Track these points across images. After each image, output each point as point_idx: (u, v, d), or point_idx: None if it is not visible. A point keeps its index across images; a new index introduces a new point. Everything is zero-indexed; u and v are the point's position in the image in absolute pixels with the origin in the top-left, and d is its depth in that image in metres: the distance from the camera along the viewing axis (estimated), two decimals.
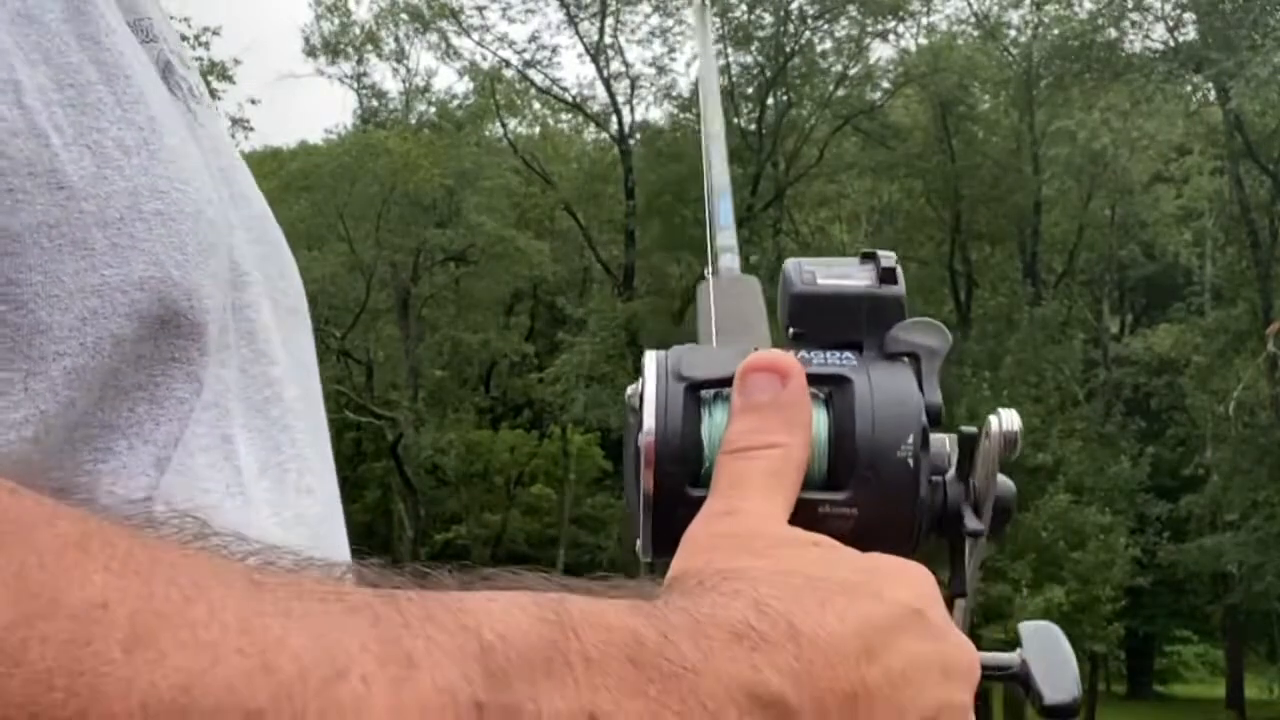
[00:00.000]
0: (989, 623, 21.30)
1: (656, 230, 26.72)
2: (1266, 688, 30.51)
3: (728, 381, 0.56)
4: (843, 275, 0.62)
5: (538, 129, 32.02)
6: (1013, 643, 0.63)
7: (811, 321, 0.61)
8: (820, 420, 0.56)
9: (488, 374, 32.12)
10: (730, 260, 0.78)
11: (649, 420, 0.56)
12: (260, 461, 0.52)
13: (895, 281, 0.61)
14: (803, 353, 0.59)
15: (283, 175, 29.24)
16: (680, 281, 26.94)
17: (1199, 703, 32.53)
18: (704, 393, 0.57)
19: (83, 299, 0.42)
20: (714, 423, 0.56)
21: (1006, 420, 0.59)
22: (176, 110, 0.52)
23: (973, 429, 0.59)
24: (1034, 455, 22.79)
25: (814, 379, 0.57)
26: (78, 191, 0.42)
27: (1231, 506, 25.13)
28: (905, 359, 0.59)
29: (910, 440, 0.56)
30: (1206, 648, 36.92)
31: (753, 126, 26.60)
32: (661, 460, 0.56)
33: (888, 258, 0.62)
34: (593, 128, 30.85)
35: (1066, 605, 20.90)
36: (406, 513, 29.80)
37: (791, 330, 0.61)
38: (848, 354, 0.59)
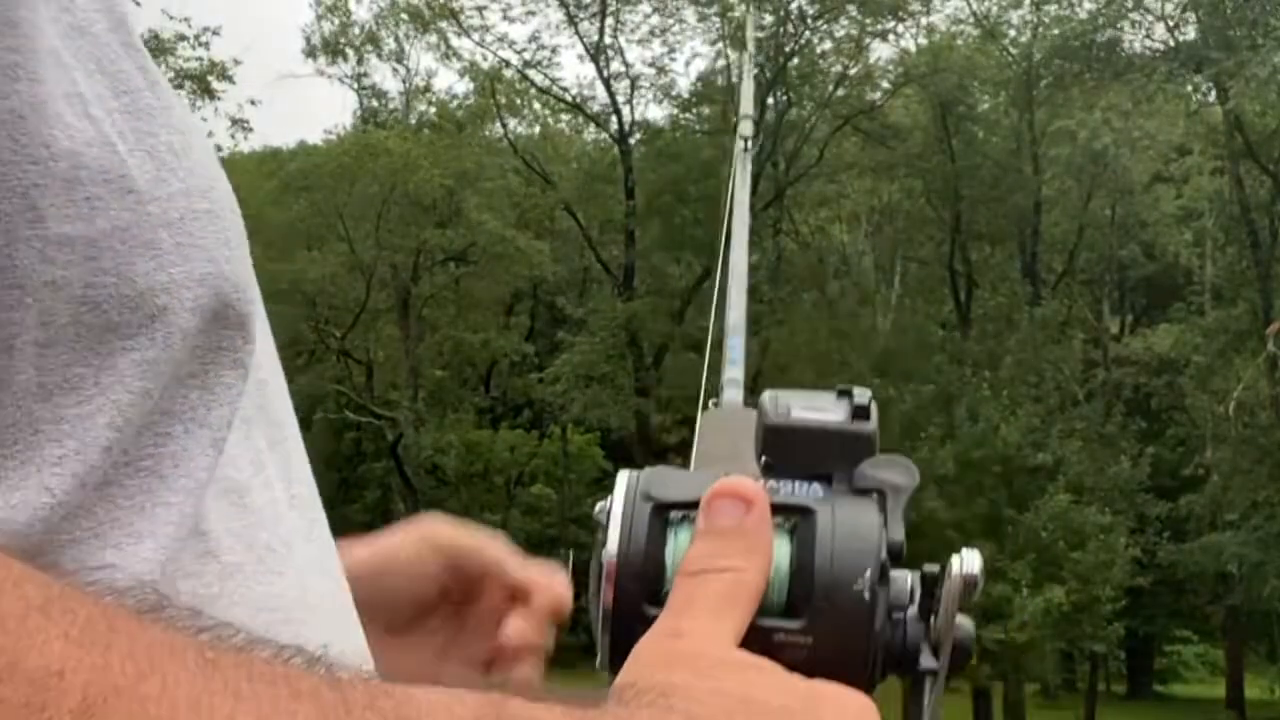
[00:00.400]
0: (989, 623, 21.30)
1: (656, 230, 26.73)
2: (1267, 688, 30.50)
3: (695, 505, 0.57)
4: (817, 409, 0.63)
5: (538, 129, 32.03)
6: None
7: (783, 453, 0.62)
8: (782, 549, 0.57)
9: (488, 374, 32.12)
10: (734, 394, 0.80)
11: (613, 538, 0.58)
12: (267, 439, 0.54)
13: (868, 418, 0.63)
14: (771, 482, 0.61)
15: (282, 175, 29.25)
16: (680, 281, 26.94)
17: (1199, 703, 32.53)
18: (671, 514, 0.59)
19: (153, 297, 0.44)
20: (678, 544, 0.58)
21: (967, 562, 0.59)
22: (190, 112, 0.54)
23: (935, 568, 0.60)
24: (1034, 455, 22.79)
25: (779, 509, 0.58)
26: (145, 195, 0.44)
27: (1231, 506, 25.13)
28: (873, 495, 0.61)
29: (867, 574, 0.57)
30: (1206, 648, 36.92)
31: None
32: (622, 578, 0.57)
33: (862, 395, 0.64)
34: (593, 128, 30.86)
35: (1066, 605, 20.89)
36: (407, 513, 29.76)
37: (764, 459, 0.63)
38: (816, 486, 0.61)
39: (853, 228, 32.62)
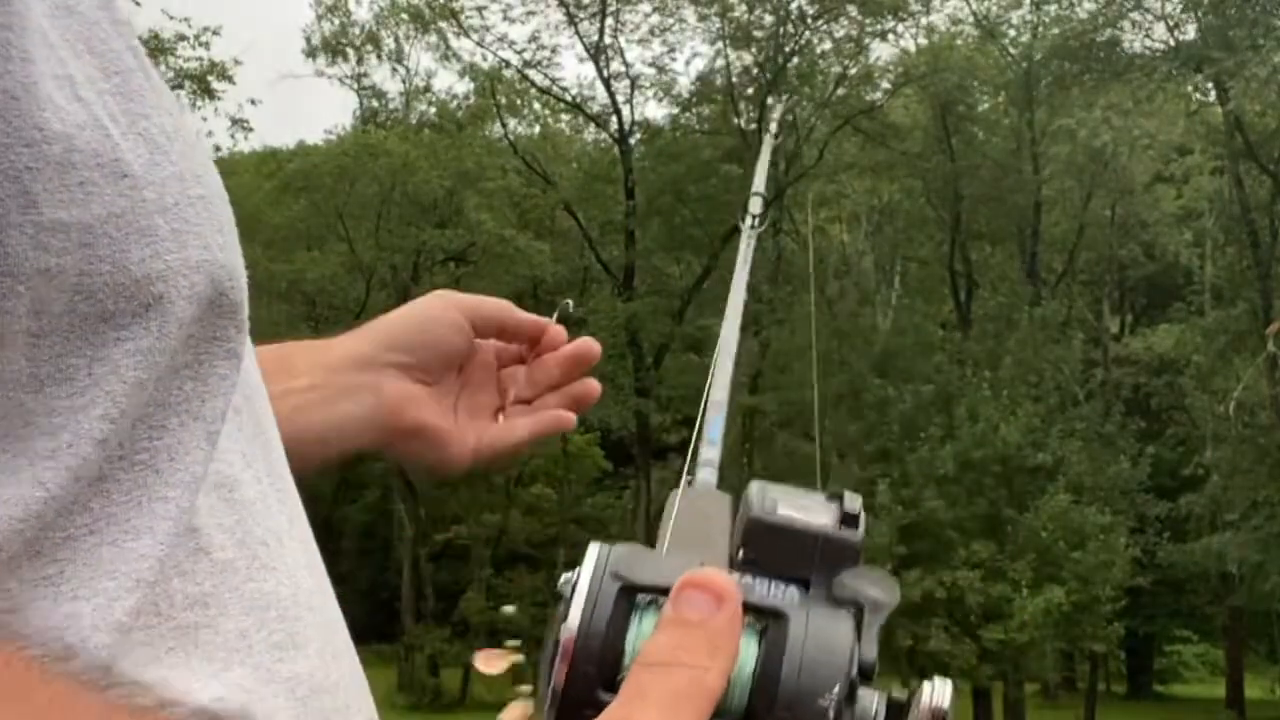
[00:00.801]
0: (989, 622, 21.30)
1: (656, 230, 26.71)
2: (1268, 688, 30.51)
3: (665, 591, 0.54)
4: (804, 509, 0.61)
5: (538, 129, 32.02)
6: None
7: (764, 549, 0.60)
8: (749, 652, 0.55)
9: None
10: (709, 475, 0.75)
11: (574, 615, 0.55)
12: (253, 431, 0.53)
13: (855, 526, 0.61)
14: (748, 578, 0.58)
15: (282, 176, 29.24)
16: (680, 281, 26.94)
17: (1199, 703, 32.52)
18: (639, 597, 0.56)
19: (149, 285, 0.43)
20: (641, 629, 0.55)
21: (938, 694, 0.57)
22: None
23: (902, 696, 0.57)
24: (1034, 455, 22.79)
25: (752, 609, 0.55)
26: (139, 179, 0.43)
27: (1232, 506, 25.14)
28: (850, 607, 0.58)
29: (835, 690, 0.54)
30: (1206, 648, 36.91)
31: (753, 127, 26.60)
32: (579, 658, 0.54)
33: (853, 501, 0.62)
34: (592, 128, 30.85)
35: (1066, 605, 20.89)
36: (406, 513, 29.81)
37: (742, 553, 0.60)
38: (793, 590, 0.58)
39: (853, 228, 32.61)
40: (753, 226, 0.96)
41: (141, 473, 0.43)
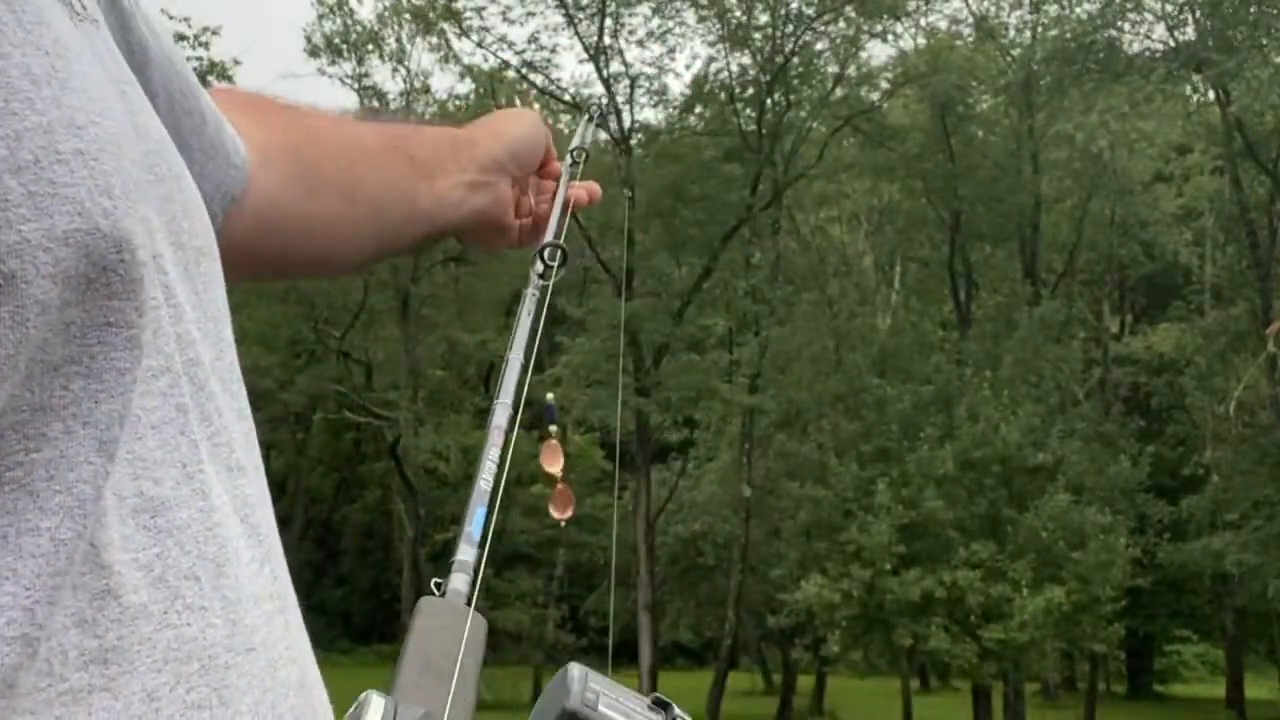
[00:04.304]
0: (989, 622, 21.29)
1: (656, 230, 26.70)
2: (1271, 689, 30.49)
3: None
4: (627, 714, 0.54)
5: None
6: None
7: None
8: None
9: (487, 374, 32.11)
10: (460, 583, 0.65)
11: None
12: (205, 433, 0.45)
13: None
14: None
15: None
16: (680, 282, 26.93)
17: (1199, 703, 32.52)
18: None
19: None
20: None
21: None
22: (80, 32, 0.45)
23: None
24: (1034, 455, 22.78)
25: None
26: None
27: (1231, 506, 25.13)
28: None
29: None
30: (1206, 648, 36.90)
31: (752, 127, 26.60)
32: None
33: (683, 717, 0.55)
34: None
35: (1066, 605, 20.87)
36: (406, 513, 29.79)
37: None
38: None
39: (853, 228, 32.61)
40: (542, 277, 0.91)
41: (12, 494, 0.36)
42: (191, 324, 0.46)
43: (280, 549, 0.52)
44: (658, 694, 0.55)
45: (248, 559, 0.45)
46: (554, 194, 1.06)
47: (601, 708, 0.53)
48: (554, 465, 0.88)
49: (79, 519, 0.37)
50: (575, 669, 0.55)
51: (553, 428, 0.80)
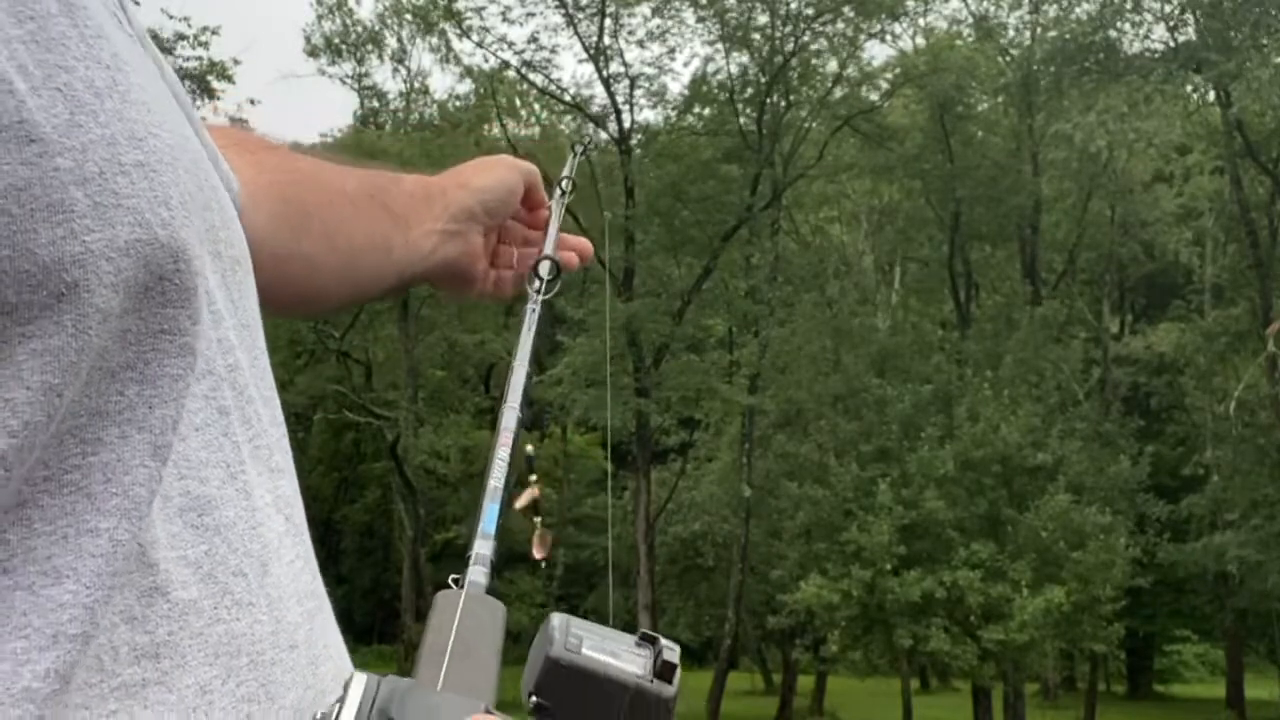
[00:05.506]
0: (989, 622, 21.29)
1: (656, 231, 26.69)
2: (1269, 688, 30.49)
3: None
4: (613, 654, 0.53)
5: (537, 130, 32.00)
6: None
7: (561, 696, 0.52)
8: None
9: (487, 374, 32.12)
10: (480, 575, 0.65)
11: None
12: (246, 434, 0.46)
13: (670, 680, 0.53)
14: None
15: None
16: (680, 282, 26.92)
17: (1199, 703, 32.51)
18: None
19: (60, 272, 0.36)
20: None
21: None
22: (133, 44, 0.45)
23: None
24: (1034, 455, 22.77)
25: None
26: (51, 145, 0.36)
27: (1232, 506, 25.13)
28: None
29: None
30: (1206, 648, 36.90)
31: (751, 127, 26.59)
32: None
33: (672, 651, 0.54)
34: (592, 128, 30.81)
35: (1066, 605, 20.87)
36: (406, 513, 29.79)
37: (535, 699, 0.52)
38: None
39: (852, 228, 32.60)
40: (539, 292, 0.91)
41: (70, 497, 0.37)
42: (230, 330, 0.46)
43: (312, 550, 0.52)
44: (644, 630, 0.55)
45: (289, 558, 0.46)
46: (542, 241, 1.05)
47: (586, 650, 0.53)
48: (533, 512, 0.89)
49: (135, 520, 0.38)
50: (556, 618, 0.55)
51: (532, 476, 0.81)
